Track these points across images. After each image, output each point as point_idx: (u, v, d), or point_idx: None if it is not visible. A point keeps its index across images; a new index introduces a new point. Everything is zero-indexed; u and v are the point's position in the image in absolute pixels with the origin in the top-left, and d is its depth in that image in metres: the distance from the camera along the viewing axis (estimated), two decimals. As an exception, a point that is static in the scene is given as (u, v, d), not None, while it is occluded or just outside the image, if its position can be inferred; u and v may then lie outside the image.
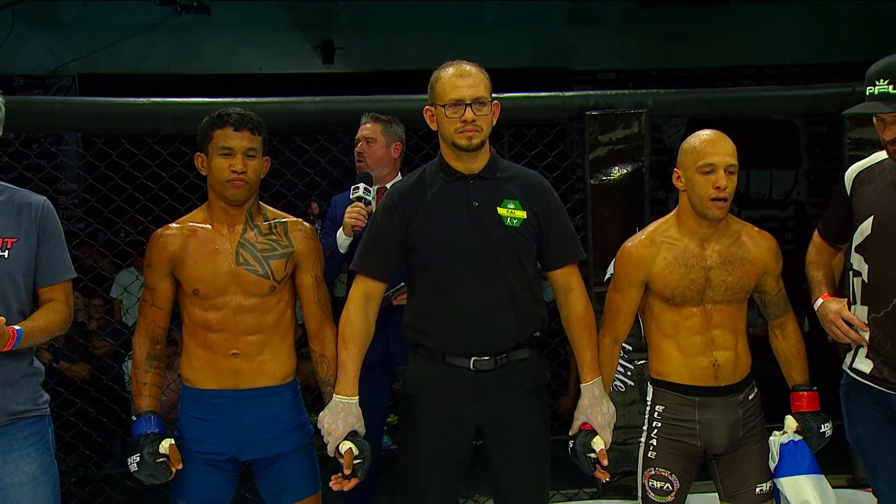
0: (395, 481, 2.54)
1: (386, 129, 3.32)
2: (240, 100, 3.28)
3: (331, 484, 2.38)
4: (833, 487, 2.55)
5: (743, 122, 7.63)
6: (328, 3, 8.34)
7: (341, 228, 3.11)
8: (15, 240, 2.24)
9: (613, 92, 3.73)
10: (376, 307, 2.50)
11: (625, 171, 3.66)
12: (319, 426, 2.43)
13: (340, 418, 2.41)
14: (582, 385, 2.54)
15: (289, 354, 2.52)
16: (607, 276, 3.63)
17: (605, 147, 3.66)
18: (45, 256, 2.32)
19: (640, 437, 2.58)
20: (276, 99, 3.59)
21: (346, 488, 2.37)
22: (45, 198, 2.35)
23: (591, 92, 3.77)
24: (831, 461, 2.68)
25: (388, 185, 3.02)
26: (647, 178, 3.66)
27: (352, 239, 3.06)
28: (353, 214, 3.05)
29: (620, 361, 3.72)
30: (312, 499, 2.52)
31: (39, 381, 2.33)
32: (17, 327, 2.19)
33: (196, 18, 8.10)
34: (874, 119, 2.32)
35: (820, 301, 2.51)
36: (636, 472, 2.60)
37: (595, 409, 2.50)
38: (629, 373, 3.69)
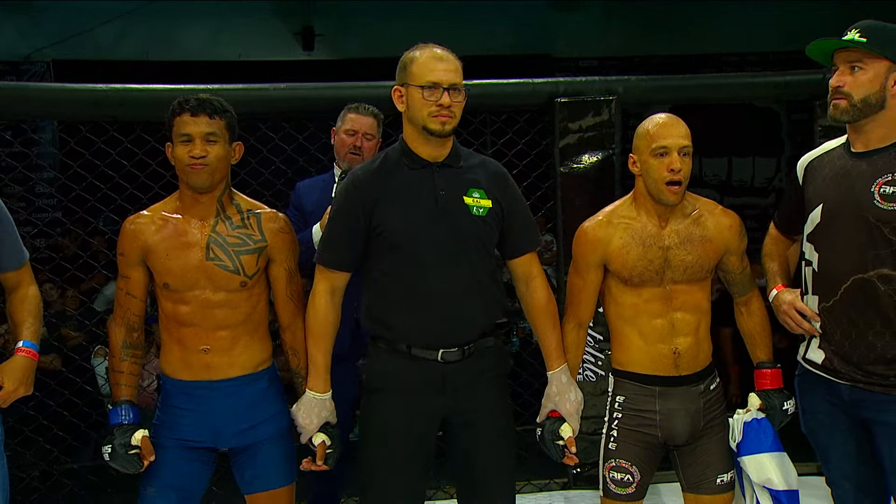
0: (357, 478, 2.52)
1: (380, 125, 3.26)
2: (212, 87, 3.23)
3: (302, 465, 2.44)
4: (802, 475, 2.55)
5: (725, 110, 7.73)
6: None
7: (318, 224, 3.04)
8: None
9: (584, 79, 3.70)
10: (341, 298, 2.46)
11: (595, 159, 3.63)
12: (294, 418, 2.45)
13: (314, 413, 2.42)
14: (549, 373, 2.51)
15: (262, 343, 2.48)
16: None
17: (575, 134, 3.62)
18: (3, 244, 2.33)
19: (602, 427, 2.54)
20: (245, 86, 3.54)
21: (314, 469, 2.43)
22: None
23: (562, 79, 3.72)
24: (802, 448, 2.63)
25: None
26: (618, 165, 3.63)
27: None
28: None
29: (592, 351, 3.70)
30: (284, 490, 2.49)
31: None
32: (28, 343, 2.29)
33: (173, 5, 8.03)
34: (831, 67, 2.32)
35: (774, 292, 2.49)
36: None
37: (563, 396, 2.48)
38: (600, 363, 3.67)
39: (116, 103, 3.45)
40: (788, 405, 2.53)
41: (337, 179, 3.10)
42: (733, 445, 2.50)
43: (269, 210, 2.51)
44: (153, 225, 2.41)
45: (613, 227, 2.49)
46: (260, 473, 2.46)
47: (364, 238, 2.40)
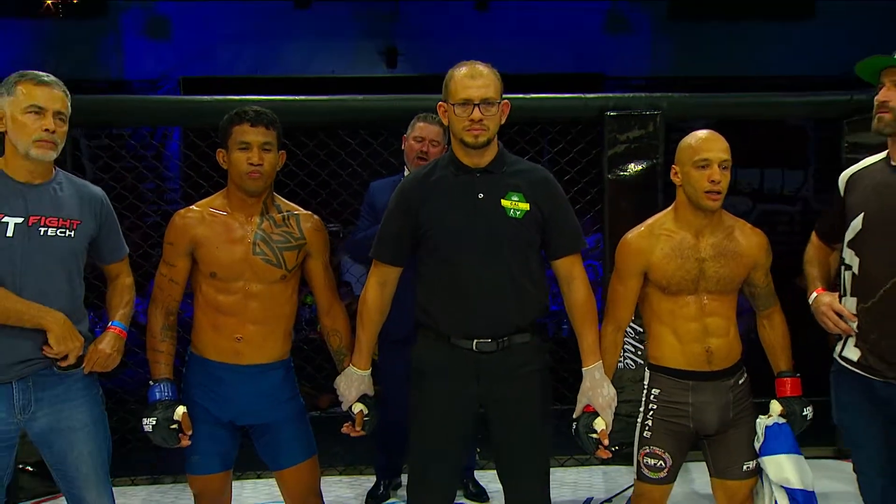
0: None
1: (445, 133, 3.09)
2: (310, 98, 3.13)
3: (342, 430, 2.38)
4: (819, 458, 2.45)
5: (759, 126, 7.44)
6: (391, 11, 8.21)
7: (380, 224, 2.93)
8: (79, 222, 2.20)
9: (631, 95, 3.50)
10: (392, 289, 2.35)
11: (640, 168, 3.44)
12: (336, 388, 2.38)
13: (354, 386, 2.35)
14: (584, 369, 2.32)
15: (287, 339, 2.40)
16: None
17: (623, 145, 3.43)
18: (108, 240, 2.31)
19: (637, 417, 2.36)
20: (336, 97, 3.48)
21: (353, 434, 2.37)
22: (101, 189, 2.32)
23: (611, 94, 3.52)
24: (819, 434, 2.52)
25: None
26: (661, 174, 3.43)
27: None
28: None
29: (632, 342, 3.53)
30: (308, 463, 2.40)
31: (87, 343, 2.24)
32: (118, 323, 2.27)
33: (278, 26, 8.09)
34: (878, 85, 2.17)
35: (814, 295, 2.30)
36: None
37: (596, 391, 2.29)
38: (639, 353, 3.49)
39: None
40: (807, 411, 2.35)
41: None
42: (756, 447, 2.32)
43: (305, 211, 2.44)
44: (202, 219, 2.33)
45: (655, 239, 2.31)
46: (283, 451, 2.37)
47: (411, 236, 2.29)
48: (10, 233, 2.09)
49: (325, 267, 2.43)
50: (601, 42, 8.42)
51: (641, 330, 3.42)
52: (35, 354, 2.12)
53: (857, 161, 2.29)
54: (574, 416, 2.33)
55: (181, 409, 2.26)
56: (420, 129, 3.13)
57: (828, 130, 8.33)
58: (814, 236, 2.42)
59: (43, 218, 2.14)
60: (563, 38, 8.28)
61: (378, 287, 2.32)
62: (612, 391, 2.31)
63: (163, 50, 8.56)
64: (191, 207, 2.37)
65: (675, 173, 2.29)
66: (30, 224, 2.12)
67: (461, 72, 2.21)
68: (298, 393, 2.43)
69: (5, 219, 2.09)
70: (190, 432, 2.27)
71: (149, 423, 2.26)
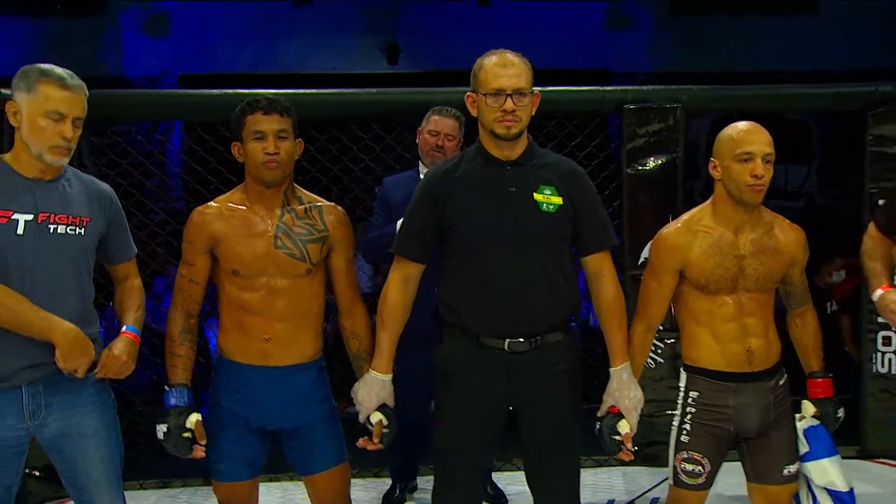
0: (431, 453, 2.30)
1: (461, 127, 3.03)
2: (311, 91, 3.03)
3: (358, 443, 2.20)
4: (844, 458, 2.30)
5: (762, 121, 7.33)
6: (392, 7, 8.09)
7: (402, 219, 2.82)
8: (89, 219, 2.09)
9: (650, 87, 3.39)
10: (415, 287, 2.22)
11: (660, 162, 3.32)
12: (353, 396, 2.20)
13: (374, 392, 2.18)
14: (611, 369, 2.21)
15: (317, 337, 2.26)
16: (641, 259, 3.31)
17: (642, 139, 3.32)
18: (117, 238, 2.20)
19: (673, 420, 2.25)
20: (339, 90, 3.36)
21: (370, 448, 2.20)
22: (109, 186, 2.20)
23: (629, 87, 3.41)
24: (843, 434, 2.38)
25: None
26: (681, 168, 3.32)
27: None
28: None
29: (654, 341, 3.40)
30: (340, 468, 2.27)
31: (100, 348, 2.12)
32: (132, 328, 2.15)
33: (278, 24, 7.97)
34: None
35: (879, 292, 2.20)
36: (663, 444, 2.30)
37: (623, 392, 2.18)
38: (659, 351, 3.37)
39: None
40: (840, 413, 2.26)
41: (422, 177, 2.87)
42: (801, 451, 2.23)
43: (328, 203, 2.30)
44: (221, 215, 2.20)
45: (693, 235, 2.19)
46: (314, 455, 2.24)
47: (437, 231, 2.16)
48: (20, 230, 1.98)
49: (347, 263, 2.29)
50: (603, 38, 8.31)
51: (661, 328, 3.30)
52: (45, 359, 2.01)
53: (885, 154, 2.18)
54: (598, 416, 2.22)
55: (195, 417, 2.13)
56: (435, 122, 3.02)
57: (831, 124, 8.28)
58: (872, 228, 2.32)
59: (52, 215, 2.03)
60: (565, 34, 8.16)
61: (401, 284, 2.20)
62: (640, 393, 2.20)
63: (162, 47, 8.43)
64: (209, 203, 2.25)
65: (714, 167, 2.17)
66: (39, 221, 2.01)
67: (492, 60, 2.09)
68: (331, 394, 2.29)
69: (15, 216, 1.98)
70: (204, 441, 2.13)
71: (160, 430, 2.13)
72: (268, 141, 2.13)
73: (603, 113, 3.46)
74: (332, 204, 2.30)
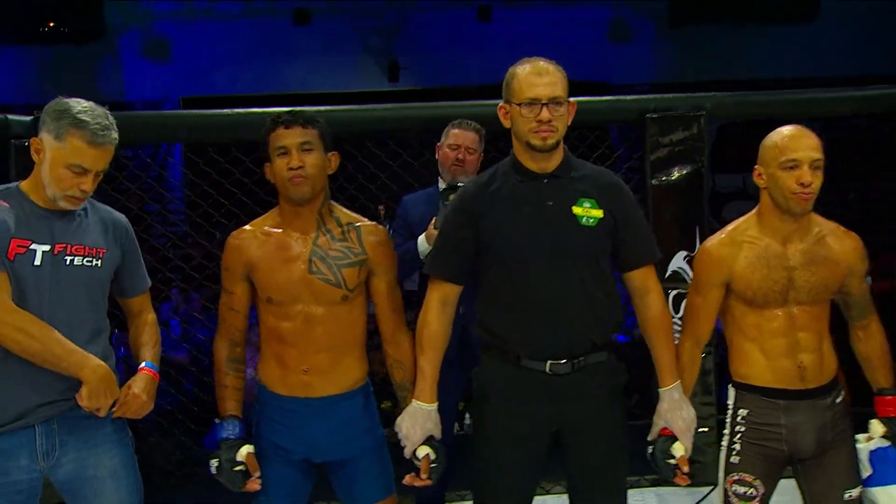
0: (469, 481, 2.17)
1: (481, 140, 2.92)
2: (318, 108, 2.92)
3: (404, 481, 2.04)
4: None
5: (768, 127, 7.26)
6: (392, 25, 8.03)
7: (423, 236, 2.70)
8: (105, 250, 1.98)
9: (673, 95, 3.27)
10: (453, 310, 2.10)
11: (684, 172, 3.20)
12: (397, 430, 2.05)
13: (419, 424, 2.03)
14: (661, 389, 2.08)
15: (361, 362, 2.12)
16: (668, 272, 3.19)
17: (666, 148, 3.19)
18: (131, 270, 2.08)
19: (722, 440, 2.12)
20: (346, 107, 3.24)
21: (418, 485, 2.04)
22: (123, 216, 2.09)
23: (652, 96, 3.29)
24: None
25: None
26: (707, 178, 3.20)
27: (432, 248, 2.66)
28: None
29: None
30: (387, 501, 2.13)
31: (119, 380, 1.99)
32: (150, 364, 2.03)
33: (277, 47, 7.93)
34: None
35: None
36: (698, 462, 2.20)
37: (675, 413, 2.05)
38: (689, 365, 3.23)
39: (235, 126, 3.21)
40: None
41: (441, 192, 2.76)
42: (863, 475, 2.07)
43: (369, 223, 2.14)
44: (256, 240, 2.07)
45: (737, 247, 2.06)
46: (361, 488, 2.10)
47: (472, 249, 2.04)
48: (37, 261, 1.86)
49: (389, 287, 2.13)
50: (603, 50, 8.25)
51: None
52: (61, 395, 1.88)
53: None
54: (649, 439, 2.09)
55: (245, 450, 2.01)
56: (455, 136, 2.90)
57: (834, 130, 8.19)
58: None
59: (69, 246, 1.90)
60: (564, 48, 8.09)
61: (438, 307, 2.07)
62: (692, 413, 2.07)
63: (163, 71, 8.38)
64: (243, 228, 2.12)
65: (759, 175, 2.05)
66: (56, 252, 1.89)
67: (525, 69, 1.98)
68: (378, 423, 2.15)
69: (32, 246, 1.86)
70: (257, 474, 2.01)
71: (213, 465, 2.02)
72: (291, 155, 2.00)
73: (623, 122, 3.34)
74: (373, 223, 2.15)
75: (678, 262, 3.24)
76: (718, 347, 3.03)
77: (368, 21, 8.24)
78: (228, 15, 8.34)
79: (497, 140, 3.21)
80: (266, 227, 2.09)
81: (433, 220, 2.69)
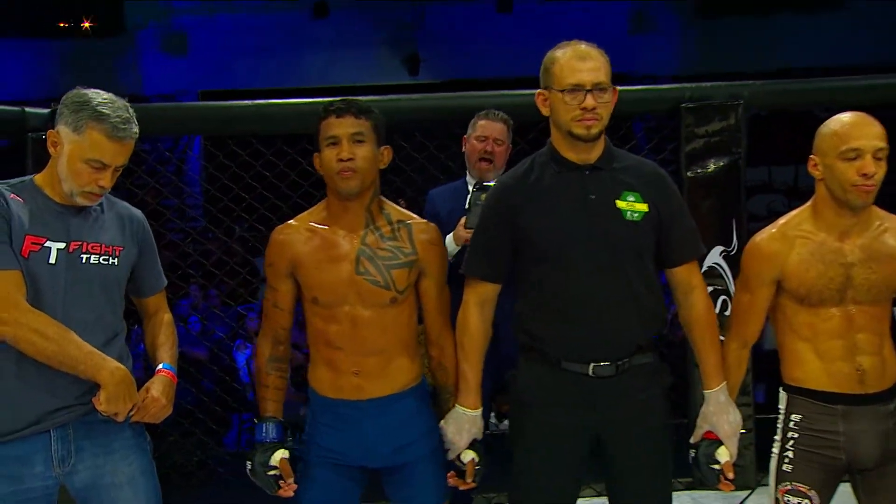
0: (497, 483, 2.10)
1: (509, 131, 2.81)
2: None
3: (449, 481, 1.97)
4: None
5: (792, 117, 7.11)
6: (412, 18, 7.92)
7: (451, 235, 2.58)
8: (122, 248, 1.87)
9: (710, 84, 3.12)
10: (492, 310, 1.98)
11: (721, 164, 3.06)
12: (442, 433, 1.98)
13: (465, 430, 1.94)
14: (706, 391, 1.96)
15: (413, 361, 2.00)
16: (703, 268, 3.05)
17: (702, 139, 3.06)
18: (148, 268, 1.97)
19: (773, 447, 1.99)
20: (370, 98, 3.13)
21: (462, 488, 1.97)
22: (140, 212, 1.98)
23: (688, 84, 3.15)
24: None
25: None
26: (744, 170, 3.07)
27: (460, 248, 2.55)
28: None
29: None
30: None
31: (137, 379, 1.90)
32: (168, 366, 1.91)
33: (297, 39, 7.84)
34: None
35: None
36: (736, 465, 1.99)
37: (721, 416, 1.93)
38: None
39: (254, 119, 3.13)
40: None
41: (472, 192, 2.64)
42: None
43: (420, 220, 2.01)
44: (301, 236, 1.95)
45: (790, 242, 1.92)
46: (415, 493, 1.98)
47: (511, 246, 1.92)
48: (52, 259, 1.75)
49: (439, 288, 2.01)
50: (627, 41, 8.09)
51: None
52: (78, 399, 1.78)
53: None
54: (692, 443, 1.97)
55: (279, 454, 1.91)
56: (482, 127, 2.79)
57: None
58: None
59: (85, 244, 1.80)
60: (587, 39, 7.95)
61: (478, 309, 1.95)
62: (739, 417, 1.95)
63: (180, 65, 8.33)
64: (289, 222, 2.00)
65: (815, 165, 1.91)
66: (71, 250, 1.78)
67: (567, 53, 1.85)
68: (435, 427, 2.02)
69: (47, 243, 1.75)
70: (291, 480, 1.91)
71: (248, 466, 1.93)
72: (341, 146, 1.87)
73: (657, 112, 3.21)
74: (425, 221, 2.02)
75: (714, 257, 3.10)
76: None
77: (387, 14, 8.14)
78: (247, 9, 8.27)
79: (526, 131, 3.12)
80: (312, 223, 1.97)
81: (462, 220, 2.58)
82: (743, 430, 1.99)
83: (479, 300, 1.95)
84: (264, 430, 1.94)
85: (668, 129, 3.36)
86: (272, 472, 1.90)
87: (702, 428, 1.95)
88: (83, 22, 7.95)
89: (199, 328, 4.84)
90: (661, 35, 8.12)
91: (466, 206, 2.61)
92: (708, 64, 8.01)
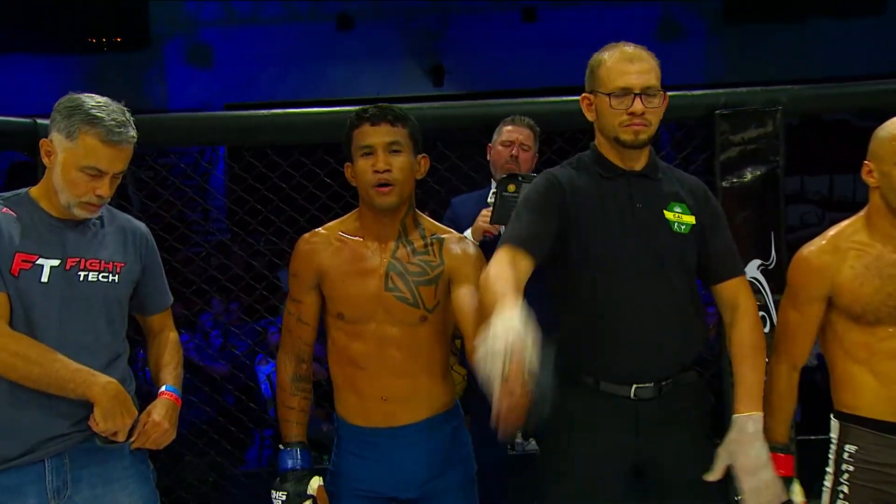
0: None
1: (536, 138, 2.71)
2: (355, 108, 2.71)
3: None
4: None
5: (826, 125, 6.87)
6: (437, 29, 7.83)
7: (470, 229, 2.51)
8: (123, 264, 1.77)
9: (746, 89, 2.96)
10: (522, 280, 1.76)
11: (758, 173, 2.89)
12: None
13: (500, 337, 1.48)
14: (734, 416, 1.77)
15: (446, 384, 1.88)
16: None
17: (737, 147, 2.89)
18: (152, 285, 1.87)
19: (825, 480, 1.82)
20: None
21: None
22: (144, 225, 1.88)
23: (722, 90, 3.00)
24: None
25: None
26: (783, 179, 2.89)
27: (479, 242, 2.45)
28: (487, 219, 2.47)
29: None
30: None
31: (137, 408, 1.78)
32: (171, 388, 1.82)
33: (320, 50, 7.80)
34: None
35: None
36: None
37: (744, 447, 1.72)
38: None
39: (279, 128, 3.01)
40: None
41: (498, 183, 2.50)
42: None
43: (455, 234, 1.90)
44: (329, 246, 1.84)
45: (842, 255, 1.77)
46: None
47: (556, 232, 1.74)
48: (45, 278, 1.65)
49: (474, 295, 1.82)
50: (654, 49, 7.91)
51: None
52: (74, 427, 1.67)
53: None
54: (708, 477, 1.75)
55: (316, 483, 1.79)
56: (508, 132, 2.69)
57: None
58: None
59: (83, 260, 1.70)
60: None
61: (508, 261, 1.68)
62: (766, 454, 1.72)
63: (206, 77, 8.32)
64: (317, 230, 1.89)
65: (870, 171, 1.76)
66: (67, 268, 1.67)
67: (615, 55, 1.74)
68: (472, 454, 1.90)
69: (39, 261, 1.65)
70: None
71: (278, 498, 1.79)
72: (377, 156, 1.76)
73: (690, 119, 3.06)
74: (461, 235, 1.92)
75: (752, 271, 2.92)
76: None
77: (412, 25, 8.06)
78: (271, 21, 8.26)
79: (552, 141, 2.99)
80: (341, 233, 1.86)
81: (483, 212, 2.51)
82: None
83: (511, 260, 1.68)
84: (294, 456, 1.82)
85: (699, 139, 3.21)
86: (308, 502, 1.78)
87: (721, 458, 1.74)
88: (109, 36, 7.97)
89: (220, 343, 4.76)
90: (688, 43, 7.93)
91: (490, 198, 2.52)
92: (740, 72, 7.80)
